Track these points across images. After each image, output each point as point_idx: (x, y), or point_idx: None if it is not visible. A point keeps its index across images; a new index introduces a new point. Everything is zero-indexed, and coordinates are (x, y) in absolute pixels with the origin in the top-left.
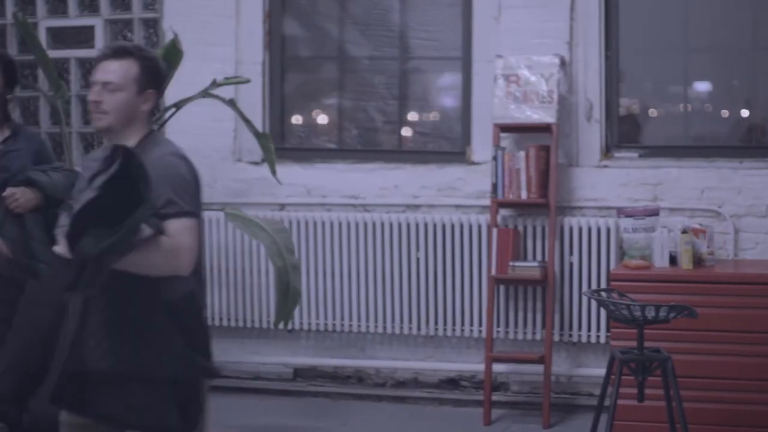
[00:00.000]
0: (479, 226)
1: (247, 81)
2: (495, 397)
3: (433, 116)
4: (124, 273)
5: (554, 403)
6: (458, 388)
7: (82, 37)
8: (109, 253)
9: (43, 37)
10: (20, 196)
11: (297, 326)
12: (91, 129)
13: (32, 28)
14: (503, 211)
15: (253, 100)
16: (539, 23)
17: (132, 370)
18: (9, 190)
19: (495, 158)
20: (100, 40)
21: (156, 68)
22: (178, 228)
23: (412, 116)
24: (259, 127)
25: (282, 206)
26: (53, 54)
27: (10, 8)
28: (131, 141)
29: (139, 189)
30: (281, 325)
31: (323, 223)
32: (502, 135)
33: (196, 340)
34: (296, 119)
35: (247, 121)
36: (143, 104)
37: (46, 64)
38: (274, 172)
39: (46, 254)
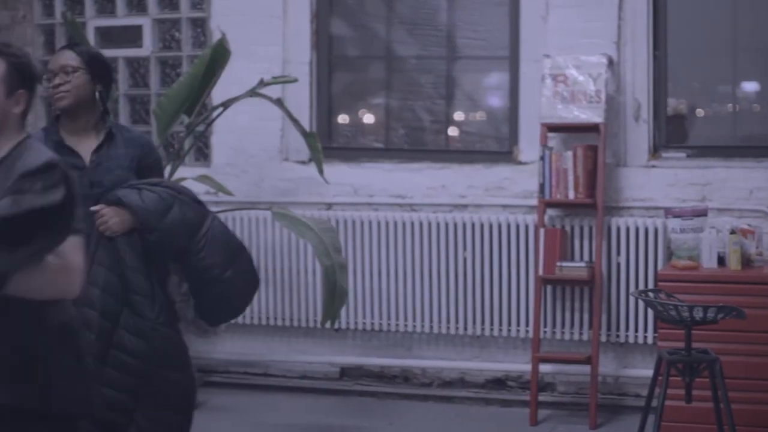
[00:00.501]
0: (526, 226)
1: (295, 80)
2: (541, 398)
3: (481, 116)
4: (6, 296)
5: (601, 403)
6: (505, 388)
7: (130, 36)
8: (20, 267)
9: (91, 36)
10: (109, 217)
11: (344, 325)
12: (139, 128)
13: (81, 27)
14: (550, 211)
15: (300, 99)
16: (587, 23)
17: (21, 406)
18: (98, 207)
19: (542, 158)
20: (148, 40)
21: (26, 66)
22: (68, 246)
23: (460, 116)
24: (306, 126)
25: (329, 205)
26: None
27: (59, 8)
28: (4, 148)
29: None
30: (328, 325)
31: (370, 223)
32: (550, 135)
33: (82, 372)
34: (343, 119)
35: (294, 121)
36: (14, 107)
37: None
38: (321, 172)
39: (142, 286)
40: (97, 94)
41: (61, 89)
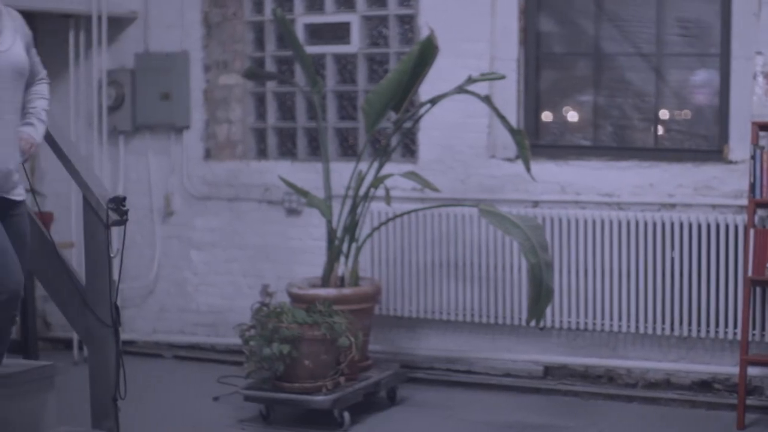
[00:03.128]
0: (736, 226)
1: (502, 77)
2: (749, 401)
3: (690, 114)
4: None
5: None
6: (711, 390)
7: (339, 33)
8: None
9: (300, 33)
10: None
11: (548, 324)
12: (347, 124)
13: (290, 24)
14: (761, 212)
15: (507, 96)
16: None
17: None
18: None
19: (753, 157)
20: (356, 37)
21: None
22: None
23: (668, 113)
24: (513, 123)
25: (535, 203)
26: (310, 50)
27: (268, 5)
28: None
29: None
30: (533, 323)
31: (577, 221)
32: (761, 134)
33: None
34: (550, 116)
35: (502, 118)
36: None
37: (303, 59)
38: (528, 169)
39: None
40: None
41: None
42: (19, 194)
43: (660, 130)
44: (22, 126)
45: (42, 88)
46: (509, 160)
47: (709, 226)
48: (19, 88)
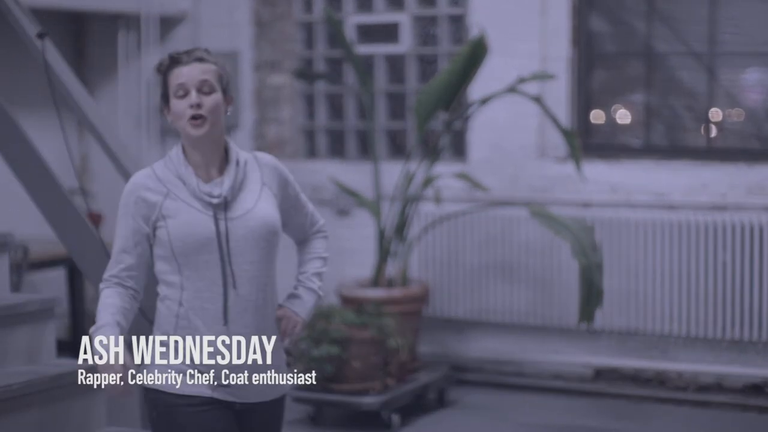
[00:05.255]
0: None
1: (552, 77)
2: None
3: (743, 113)
4: None
5: None
6: (763, 394)
7: (388, 33)
8: None
9: (350, 33)
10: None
11: (599, 327)
12: (397, 124)
13: (340, 24)
14: None
15: (558, 96)
16: None
17: None
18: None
19: None
20: (406, 36)
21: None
22: None
23: (720, 113)
24: (563, 123)
25: (586, 204)
26: (360, 50)
27: (318, 4)
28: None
29: None
30: (583, 325)
31: (627, 222)
32: None
33: None
34: (601, 116)
35: (553, 118)
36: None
37: (353, 59)
38: (579, 169)
39: None
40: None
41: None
42: (274, 390)
43: (712, 130)
44: (287, 298)
45: (317, 245)
46: (559, 160)
47: (761, 227)
48: (262, 255)
